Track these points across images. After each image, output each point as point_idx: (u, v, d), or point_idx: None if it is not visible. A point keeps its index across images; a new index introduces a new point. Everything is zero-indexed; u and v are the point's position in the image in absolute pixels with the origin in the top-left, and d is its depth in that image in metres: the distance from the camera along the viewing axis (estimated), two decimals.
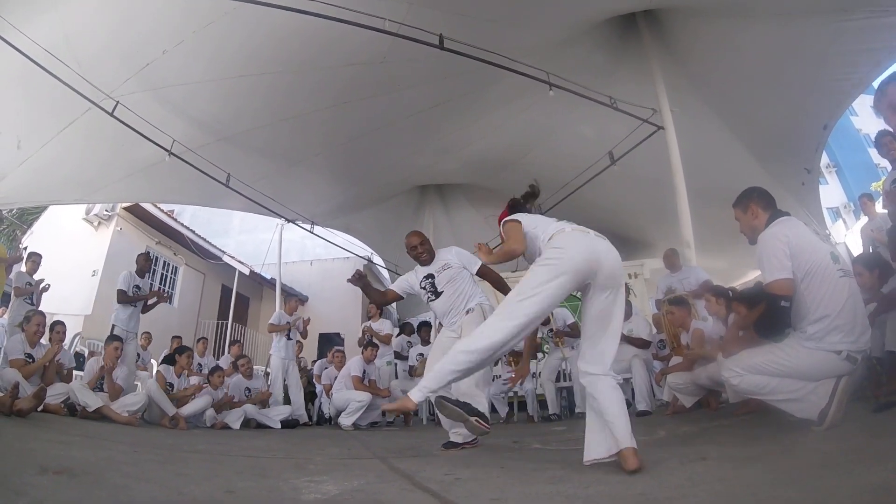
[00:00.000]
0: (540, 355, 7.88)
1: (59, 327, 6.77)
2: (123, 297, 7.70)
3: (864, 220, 8.33)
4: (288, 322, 8.84)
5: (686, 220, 7.25)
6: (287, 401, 8.58)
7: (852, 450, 2.55)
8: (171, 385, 7.17)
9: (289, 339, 8.79)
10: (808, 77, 7.97)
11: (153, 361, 9.66)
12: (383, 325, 9.34)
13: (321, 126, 8.93)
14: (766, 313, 3.18)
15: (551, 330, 7.69)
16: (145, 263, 8.24)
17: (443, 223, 14.28)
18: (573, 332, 7.63)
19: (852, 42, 7.17)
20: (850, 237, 13.27)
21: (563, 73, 7.46)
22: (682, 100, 8.15)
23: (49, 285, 7.80)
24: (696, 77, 8.74)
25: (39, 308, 7.30)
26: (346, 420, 7.53)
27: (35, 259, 8.08)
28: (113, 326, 7.61)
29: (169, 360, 7.72)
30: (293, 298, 9.79)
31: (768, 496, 1.92)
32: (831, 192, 27.96)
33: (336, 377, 8.52)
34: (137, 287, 7.85)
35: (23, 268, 7.95)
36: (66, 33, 6.59)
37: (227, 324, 15.70)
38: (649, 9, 7.94)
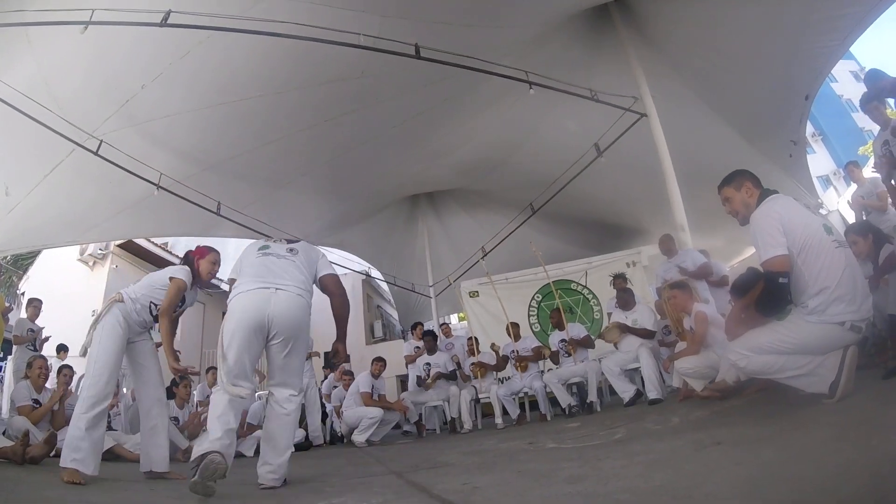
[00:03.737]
0: (554, 366, 7.86)
1: (66, 370, 6.81)
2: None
3: (853, 187, 8.35)
4: None
5: (678, 203, 7.26)
6: (302, 423, 8.53)
7: (866, 420, 2.55)
8: (177, 419, 7.16)
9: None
10: (786, 49, 8.00)
11: None
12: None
13: (306, 145, 8.92)
14: (766, 291, 3.18)
15: (563, 340, 7.69)
16: None
17: (437, 230, 14.31)
18: (586, 342, 7.72)
19: (827, 9, 7.21)
20: (842, 204, 13.30)
21: (541, 70, 7.47)
22: (662, 85, 8.18)
23: (48, 337, 7.75)
24: (674, 61, 8.77)
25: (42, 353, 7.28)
26: (359, 437, 7.51)
27: (36, 305, 8.04)
28: None
29: (168, 394, 7.61)
30: None
31: (786, 476, 1.91)
32: (819, 161, 28.06)
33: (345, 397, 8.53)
34: None
35: (23, 314, 7.90)
36: (45, 76, 6.59)
37: None
38: None
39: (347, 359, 4.05)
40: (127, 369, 4.40)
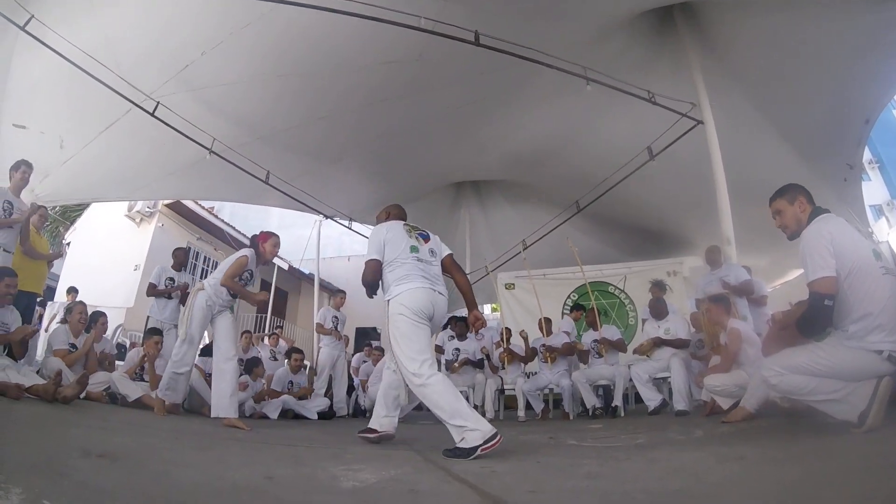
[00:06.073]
0: (583, 365, 7.82)
1: (102, 318, 7.02)
2: (151, 290, 7.92)
3: None
4: (335, 329, 8.98)
5: (726, 216, 7.12)
6: (328, 392, 8.71)
7: (892, 453, 2.51)
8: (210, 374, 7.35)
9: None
10: (850, 70, 7.79)
11: None
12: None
13: (357, 124, 8.99)
14: (809, 312, 3.12)
15: (596, 340, 7.65)
16: (183, 257, 8.41)
17: (479, 220, 14.27)
18: (619, 345, 7.67)
19: (894, 33, 7.00)
20: (892, 235, 12.92)
21: (600, 68, 7.38)
22: (721, 94, 8.01)
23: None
24: (735, 71, 8.57)
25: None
26: None
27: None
28: (148, 318, 7.79)
29: (205, 351, 7.70)
30: (339, 294, 9.81)
31: (805, 498, 1.90)
32: (874, 189, 27.12)
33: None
34: (171, 280, 8.02)
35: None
36: (107, 36, 6.75)
37: (265, 318, 15.90)
38: (686, 1, 7.83)
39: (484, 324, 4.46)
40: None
